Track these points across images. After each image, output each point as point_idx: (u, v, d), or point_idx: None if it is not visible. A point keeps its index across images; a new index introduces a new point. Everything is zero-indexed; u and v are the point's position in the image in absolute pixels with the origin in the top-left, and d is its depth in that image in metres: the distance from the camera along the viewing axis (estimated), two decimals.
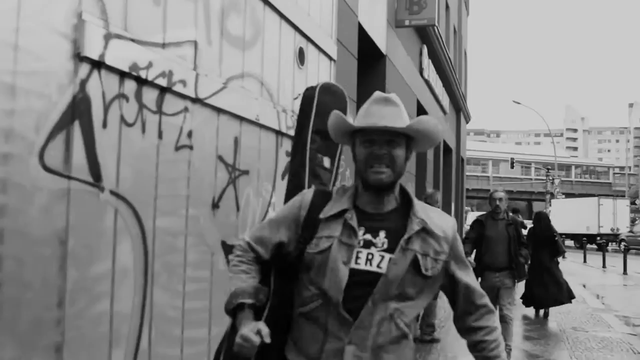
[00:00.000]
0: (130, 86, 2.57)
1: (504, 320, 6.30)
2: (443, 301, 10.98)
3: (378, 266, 1.92)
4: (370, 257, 1.94)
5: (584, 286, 14.71)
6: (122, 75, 2.51)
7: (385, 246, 1.95)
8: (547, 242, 10.02)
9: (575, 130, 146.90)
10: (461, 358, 6.64)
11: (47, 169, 2.15)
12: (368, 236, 1.97)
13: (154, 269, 2.73)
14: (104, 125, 2.43)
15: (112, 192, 2.46)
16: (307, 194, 2.09)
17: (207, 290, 3.18)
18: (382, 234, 1.97)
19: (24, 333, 2.07)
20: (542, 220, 10.44)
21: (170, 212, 2.86)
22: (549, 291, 9.72)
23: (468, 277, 2.09)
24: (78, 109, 2.30)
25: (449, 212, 18.32)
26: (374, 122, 1.96)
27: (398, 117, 2.00)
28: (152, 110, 2.72)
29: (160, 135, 2.78)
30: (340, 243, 1.94)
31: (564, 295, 9.72)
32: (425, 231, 2.00)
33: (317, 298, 1.93)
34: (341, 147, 2.83)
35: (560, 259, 12.62)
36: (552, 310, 10.24)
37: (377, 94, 2.08)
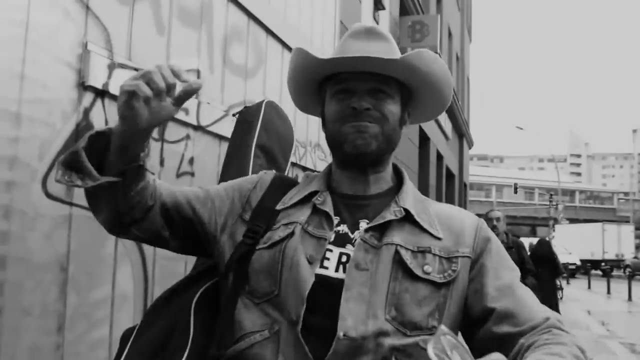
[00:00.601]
0: None
1: None
2: None
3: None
4: (344, 259, 1.33)
5: (589, 312, 14.62)
6: None
7: None
8: (546, 263, 10.97)
9: (579, 156, 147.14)
10: None
11: (49, 195, 2.18)
12: (343, 228, 1.39)
13: (154, 294, 2.75)
14: None
15: None
16: (266, 175, 1.56)
17: None
18: (363, 224, 1.39)
19: (22, 358, 2.08)
20: (543, 244, 11.52)
21: None
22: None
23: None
24: (81, 137, 2.34)
25: None
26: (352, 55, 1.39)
27: (389, 53, 1.42)
28: (154, 137, 2.76)
29: (162, 163, 2.82)
30: (304, 232, 1.36)
31: None
32: (412, 222, 1.39)
33: (261, 327, 1.29)
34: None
35: (564, 283, 13.32)
36: None
37: (357, 25, 1.52)
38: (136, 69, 2.63)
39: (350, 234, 1.38)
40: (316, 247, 1.34)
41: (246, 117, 2.36)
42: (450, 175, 18.78)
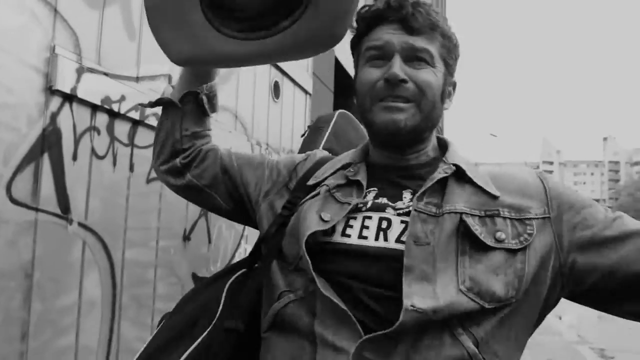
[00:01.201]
0: (102, 119, 2.59)
1: None
2: None
3: (399, 241, 1.21)
4: (384, 225, 1.23)
5: (560, 318, 14.79)
6: (94, 108, 2.53)
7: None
8: None
9: (551, 163, 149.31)
10: None
11: (14, 201, 2.15)
12: (383, 200, 1.30)
13: (122, 302, 2.72)
14: (74, 157, 2.44)
15: (81, 224, 2.46)
16: (319, 152, 1.58)
17: None
18: (407, 195, 1.30)
19: None
20: None
21: (140, 244, 2.86)
22: None
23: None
24: (48, 142, 2.31)
25: None
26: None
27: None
28: (124, 143, 2.74)
29: (131, 168, 2.79)
30: (329, 196, 1.32)
31: None
32: (469, 182, 1.30)
33: (298, 287, 1.25)
34: None
35: None
36: (527, 342, 10.30)
37: None
38: (106, 74, 2.61)
39: (390, 203, 1.28)
40: (337, 211, 1.26)
41: (317, 124, 2.37)
42: None
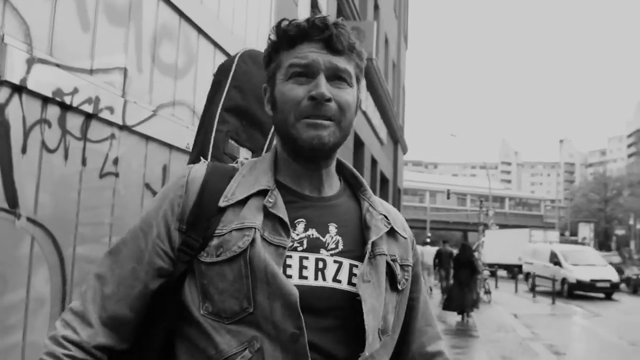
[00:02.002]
0: (53, 112, 2.52)
1: None
2: None
3: (336, 280, 1.28)
4: (320, 265, 1.27)
5: (515, 316, 15.09)
6: (45, 100, 2.47)
7: (341, 247, 1.31)
8: (468, 264, 13.85)
9: (509, 164, 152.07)
10: None
11: None
12: (312, 232, 1.31)
13: (72, 299, 2.66)
14: (24, 150, 2.38)
15: (29, 219, 2.39)
16: (195, 171, 1.37)
17: None
18: (332, 228, 1.33)
19: None
20: (466, 248, 14.77)
21: (92, 240, 2.80)
22: (465, 299, 13.54)
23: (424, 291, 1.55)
24: None
25: None
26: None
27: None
28: (76, 136, 2.68)
29: (84, 162, 2.73)
30: (262, 240, 1.25)
31: (469, 304, 13.66)
32: (392, 232, 1.42)
33: (238, 347, 1.20)
34: (272, 137, 2.01)
35: (492, 287, 15.23)
36: (482, 339, 10.49)
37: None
38: (58, 65, 2.55)
39: (321, 238, 1.31)
40: (275, 255, 1.23)
41: (218, 78, 1.97)
42: (384, 180, 19.05)
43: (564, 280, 23.19)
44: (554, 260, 25.08)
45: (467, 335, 11.14)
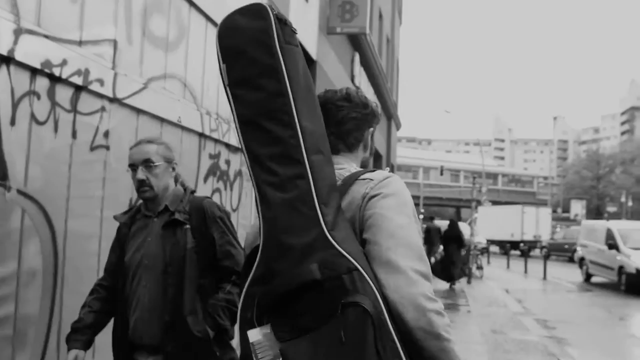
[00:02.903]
0: (42, 83, 2.50)
1: None
2: None
3: None
4: None
5: (507, 291, 15.21)
6: (34, 72, 2.45)
7: None
8: (455, 239, 15.20)
9: (502, 141, 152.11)
10: None
11: None
12: None
13: (65, 272, 2.66)
14: (12, 122, 2.36)
15: (20, 192, 2.38)
16: None
17: None
18: None
19: None
20: (454, 224, 15.94)
21: (83, 214, 2.79)
22: (454, 271, 14.80)
23: None
24: None
25: None
26: None
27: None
28: (66, 109, 2.66)
29: (74, 135, 2.71)
30: None
31: (456, 274, 14.94)
32: None
33: None
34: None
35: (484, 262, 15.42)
36: (474, 313, 10.58)
37: None
38: (46, 36, 2.52)
39: None
40: None
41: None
42: (378, 156, 19.04)
43: (621, 269, 16.67)
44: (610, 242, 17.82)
45: (458, 309, 11.25)
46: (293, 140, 1.47)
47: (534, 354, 7.52)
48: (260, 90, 1.49)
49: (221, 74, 1.54)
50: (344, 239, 1.45)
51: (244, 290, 1.47)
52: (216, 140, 4.23)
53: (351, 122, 1.81)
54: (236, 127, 1.53)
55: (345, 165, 1.73)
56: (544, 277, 19.91)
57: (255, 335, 1.35)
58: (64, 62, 2.58)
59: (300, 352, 1.34)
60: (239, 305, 1.46)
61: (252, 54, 1.51)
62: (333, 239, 1.42)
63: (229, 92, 1.52)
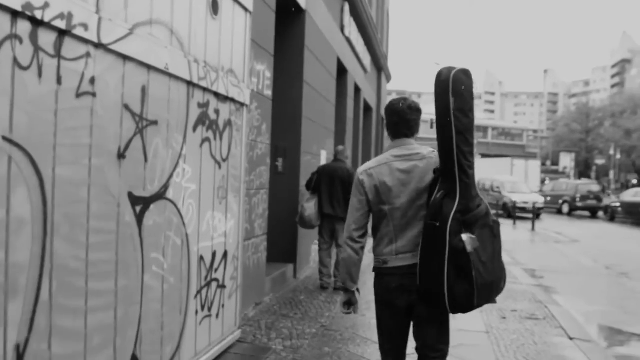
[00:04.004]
0: (24, 27, 2.43)
1: None
2: None
3: None
4: None
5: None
6: (15, 14, 2.37)
7: None
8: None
9: (493, 94, 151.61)
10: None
11: None
12: None
13: (54, 219, 2.64)
14: None
15: (5, 139, 2.34)
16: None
17: (112, 242, 3.12)
18: None
19: None
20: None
21: (71, 162, 2.76)
22: None
23: None
24: None
25: None
26: None
27: None
28: (50, 54, 2.59)
29: (59, 81, 2.66)
30: None
31: None
32: None
33: None
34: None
35: None
36: None
37: None
38: None
39: None
40: None
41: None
42: (368, 108, 18.94)
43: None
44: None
45: None
46: (473, 145, 2.96)
47: (521, 302, 7.66)
48: (468, 118, 2.89)
49: (449, 103, 2.85)
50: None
51: (451, 215, 2.82)
52: (205, 89, 4.17)
53: (415, 122, 3.24)
54: (452, 133, 2.86)
55: (415, 145, 3.20)
56: (533, 229, 20.17)
57: (466, 237, 2.81)
58: (46, 5, 2.51)
59: (481, 239, 2.87)
60: (449, 223, 2.82)
61: (466, 97, 2.89)
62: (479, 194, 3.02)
63: (452, 113, 2.85)
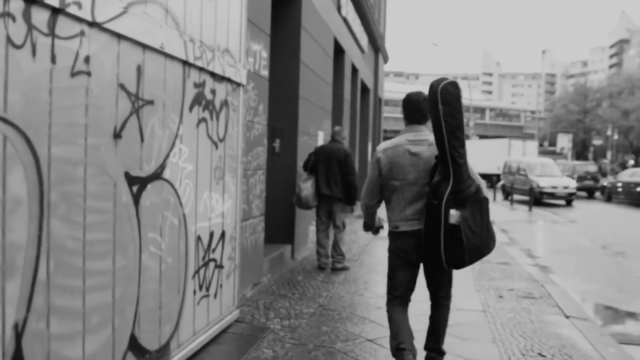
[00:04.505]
0: (16, 5, 2.40)
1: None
2: (357, 236, 11.28)
3: None
4: None
5: (493, 222, 15.49)
6: None
7: None
8: None
9: (490, 75, 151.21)
10: (373, 287, 6.91)
11: None
12: None
13: (50, 199, 2.64)
14: None
15: (0, 118, 2.33)
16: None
17: (110, 221, 3.12)
18: None
19: None
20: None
21: (67, 141, 2.75)
22: None
23: None
24: None
25: (366, 152, 18.62)
26: None
27: None
28: (44, 32, 2.57)
29: (53, 60, 2.64)
30: None
31: None
32: None
33: None
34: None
35: None
36: None
37: None
38: None
39: None
40: None
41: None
42: (365, 89, 18.86)
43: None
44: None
45: None
46: (463, 139, 3.60)
47: (518, 281, 7.70)
48: (456, 119, 3.54)
49: (439, 110, 3.53)
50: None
51: (446, 196, 3.52)
52: (201, 69, 4.14)
53: (426, 111, 3.83)
54: (443, 133, 3.53)
55: (426, 132, 3.86)
56: (530, 209, 20.22)
57: (454, 212, 3.51)
58: None
59: (472, 213, 3.58)
60: (444, 201, 3.54)
61: (454, 104, 3.56)
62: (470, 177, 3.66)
63: (442, 118, 3.51)
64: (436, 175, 3.63)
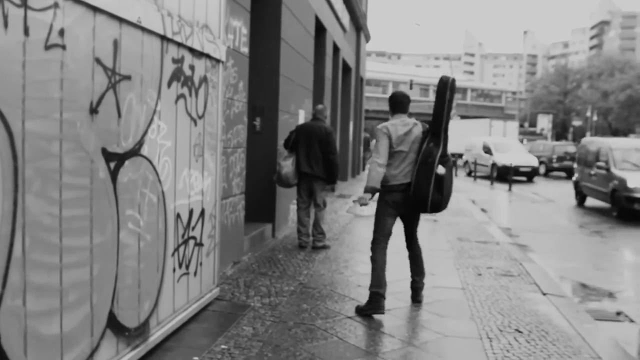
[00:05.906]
0: None
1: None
2: (338, 215, 11.31)
3: None
4: None
5: (473, 202, 15.58)
6: None
7: None
8: None
9: (472, 55, 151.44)
10: (354, 266, 6.94)
11: None
12: None
13: (25, 174, 2.59)
14: None
15: None
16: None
17: (86, 198, 3.08)
18: None
19: None
20: None
21: (42, 115, 2.70)
22: None
23: None
24: None
25: (347, 131, 18.60)
26: None
27: None
28: (16, 3, 2.50)
29: (26, 32, 2.57)
30: None
31: None
32: None
33: None
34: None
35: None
36: (441, 222, 10.85)
37: None
38: None
39: None
40: None
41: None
42: (347, 68, 18.78)
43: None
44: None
45: (425, 218, 11.52)
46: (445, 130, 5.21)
47: (497, 259, 7.79)
48: (451, 104, 5.20)
49: (446, 95, 5.09)
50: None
51: (437, 157, 5.00)
52: (179, 44, 4.08)
53: (407, 104, 5.47)
54: (444, 112, 5.12)
55: (407, 118, 5.36)
56: (509, 189, 20.41)
57: (440, 167, 4.99)
58: None
59: (447, 171, 5.11)
60: (436, 160, 5.01)
61: (454, 94, 5.26)
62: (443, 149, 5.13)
63: (448, 102, 5.12)
64: (426, 143, 5.08)
